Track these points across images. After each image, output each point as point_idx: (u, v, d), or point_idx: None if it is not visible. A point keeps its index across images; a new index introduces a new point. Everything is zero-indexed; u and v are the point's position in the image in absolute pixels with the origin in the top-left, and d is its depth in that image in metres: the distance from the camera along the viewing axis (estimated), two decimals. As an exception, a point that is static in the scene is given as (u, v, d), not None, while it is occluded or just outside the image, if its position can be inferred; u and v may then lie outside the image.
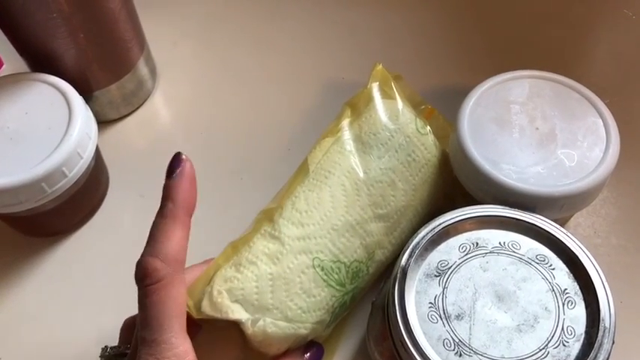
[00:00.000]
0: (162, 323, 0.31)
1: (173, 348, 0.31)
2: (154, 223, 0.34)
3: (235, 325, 0.36)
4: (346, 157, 0.41)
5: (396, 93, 0.45)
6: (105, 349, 0.37)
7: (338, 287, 0.38)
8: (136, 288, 0.45)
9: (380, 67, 0.46)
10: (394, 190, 0.41)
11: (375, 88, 0.44)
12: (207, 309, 0.36)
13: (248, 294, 0.36)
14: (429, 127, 0.44)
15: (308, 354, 0.38)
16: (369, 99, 0.44)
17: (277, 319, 0.36)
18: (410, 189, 0.42)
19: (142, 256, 0.34)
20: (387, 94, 0.44)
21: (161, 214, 0.34)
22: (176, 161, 0.35)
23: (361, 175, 0.41)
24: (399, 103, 0.44)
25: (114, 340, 0.43)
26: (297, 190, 0.40)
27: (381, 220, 0.41)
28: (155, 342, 0.31)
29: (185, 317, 0.33)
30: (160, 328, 0.31)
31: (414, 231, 0.39)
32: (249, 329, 0.36)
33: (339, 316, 0.40)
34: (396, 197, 0.41)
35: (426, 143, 0.43)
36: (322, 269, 0.38)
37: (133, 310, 0.44)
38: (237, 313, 0.36)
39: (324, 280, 0.38)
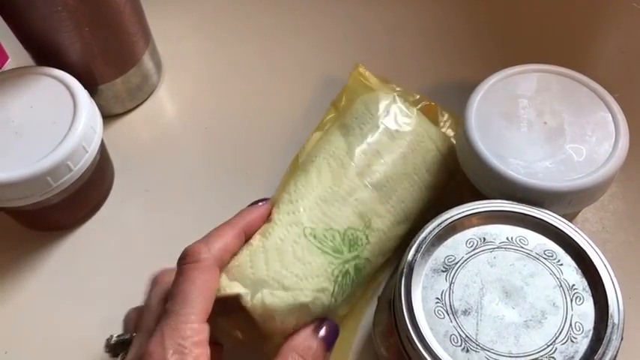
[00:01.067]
0: (187, 298, 0.33)
1: (190, 322, 0.32)
2: (219, 227, 0.37)
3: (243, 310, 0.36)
4: (331, 142, 0.43)
5: (377, 84, 0.48)
6: (110, 338, 0.37)
7: (335, 254, 0.38)
8: (140, 281, 0.46)
9: (361, 68, 0.49)
10: (380, 160, 0.42)
11: (355, 83, 0.48)
12: None
13: (243, 269, 0.36)
14: (415, 109, 0.45)
15: (322, 330, 0.37)
16: (351, 93, 0.47)
17: (274, 288, 0.36)
18: (398, 157, 0.42)
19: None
20: (367, 88, 0.47)
21: (227, 222, 0.38)
22: (260, 200, 0.40)
23: (345, 151, 0.42)
24: (379, 90, 0.46)
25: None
26: (289, 182, 0.42)
27: (372, 189, 0.41)
28: (175, 313, 0.32)
29: (211, 304, 0.34)
30: (184, 302, 0.33)
31: (415, 200, 0.41)
32: (249, 302, 0.36)
33: (348, 289, 0.39)
34: (383, 166, 0.42)
35: (408, 115, 0.44)
36: (315, 237, 0.38)
37: (138, 302, 0.44)
38: (235, 288, 0.36)
39: (318, 248, 0.38)
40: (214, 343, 0.34)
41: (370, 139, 0.43)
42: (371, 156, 0.42)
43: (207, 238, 0.36)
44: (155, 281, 0.38)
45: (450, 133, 0.49)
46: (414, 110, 0.45)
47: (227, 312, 0.37)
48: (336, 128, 0.44)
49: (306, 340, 0.36)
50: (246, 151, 0.52)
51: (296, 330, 0.37)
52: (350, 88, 0.49)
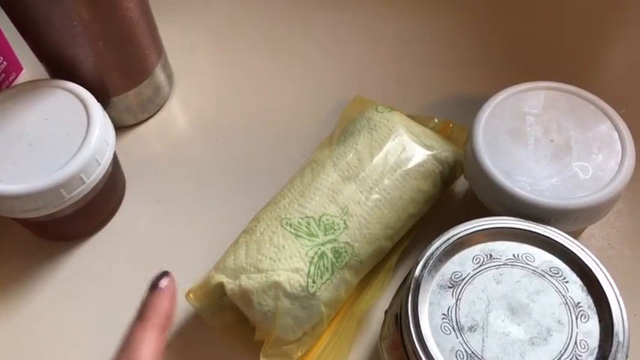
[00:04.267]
0: None
1: None
2: (132, 330, 0.35)
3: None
4: (319, 153, 0.46)
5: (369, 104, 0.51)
6: None
7: (308, 237, 0.40)
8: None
9: (358, 97, 0.53)
10: (358, 155, 0.44)
11: (351, 109, 0.51)
12: (201, 292, 0.41)
13: (228, 262, 0.40)
14: (395, 110, 0.48)
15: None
16: (345, 118, 0.50)
17: (250, 272, 0.39)
18: (376, 151, 0.44)
19: None
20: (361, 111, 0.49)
21: (140, 322, 0.35)
22: (158, 276, 0.37)
23: (328, 155, 0.45)
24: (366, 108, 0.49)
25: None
26: None
27: (349, 179, 0.43)
28: None
29: None
30: None
31: (400, 189, 0.43)
32: (228, 288, 0.39)
33: (327, 272, 0.40)
34: (361, 160, 0.44)
35: (387, 116, 0.46)
36: (290, 225, 0.41)
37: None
38: (218, 278, 0.40)
39: (292, 233, 0.40)
40: None
41: (351, 140, 0.45)
42: (349, 152, 0.44)
43: (133, 356, 0.34)
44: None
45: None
46: (394, 112, 0.47)
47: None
48: (329, 145, 0.47)
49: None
50: (257, 162, 0.53)
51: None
52: (345, 114, 0.51)
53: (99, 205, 0.48)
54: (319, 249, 0.40)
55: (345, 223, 0.41)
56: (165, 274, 0.37)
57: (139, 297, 0.45)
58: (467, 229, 0.38)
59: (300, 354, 0.41)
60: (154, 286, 0.36)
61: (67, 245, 0.49)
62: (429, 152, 0.45)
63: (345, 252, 0.41)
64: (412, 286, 0.36)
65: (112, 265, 0.48)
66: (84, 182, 0.43)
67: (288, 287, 0.39)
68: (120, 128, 0.55)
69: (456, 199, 0.50)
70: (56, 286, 0.47)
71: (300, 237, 0.40)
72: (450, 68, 0.58)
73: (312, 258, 0.40)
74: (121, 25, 0.47)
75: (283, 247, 0.40)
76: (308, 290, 0.39)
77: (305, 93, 0.57)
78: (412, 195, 0.44)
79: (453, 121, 0.51)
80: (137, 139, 0.55)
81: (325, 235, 0.41)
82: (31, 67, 0.59)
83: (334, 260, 0.40)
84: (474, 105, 0.44)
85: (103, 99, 0.50)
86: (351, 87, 0.54)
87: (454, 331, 0.35)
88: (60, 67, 0.49)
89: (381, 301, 0.44)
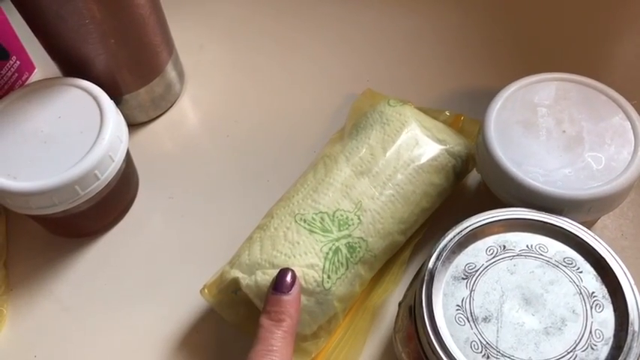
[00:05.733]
0: None
1: None
2: (272, 333, 0.36)
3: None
4: (331, 148, 0.46)
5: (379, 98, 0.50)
6: None
7: (323, 233, 0.40)
8: (165, 286, 0.47)
9: (368, 90, 0.53)
10: (371, 150, 0.44)
11: (361, 102, 0.51)
12: (215, 287, 0.42)
13: (242, 258, 0.41)
14: (406, 104, 0.47)
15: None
16: (356, 110, 0.50)
17: (265, 268, 0.39)
18: (389, 145, 0.44)
19: None
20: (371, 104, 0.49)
21: (280, 327, 0.37)
22: (291, 277, 0.38)
23: (340, 150, 0.45)
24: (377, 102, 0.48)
25: (145, 340, 0.44)
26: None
27: (362, 174, 0.43)
28: None
29: None
30: None
31: (413, 183, 0.43)
32: (244, 283, 0.39)
33: (342, 267, 0.40)
34: (374, 155, 0.44)
35: (399, 109, 0.46)
36: (304, 221, 0.41)
37: (162, 309, 0.45)
38: (233, 273, 0.40)
39: (307, 229, 0.41)
40: None
41: (363, 134, 0.45)
42: (362, 147, 0.44)
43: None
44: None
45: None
46: (406, 106, 0.47)
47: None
48: (340, 139, 0.47)
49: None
50: (268, 158, 0.53)
51: None
52: (356, 107, 0.51)
53: (113, 201, 0.48)
54: (334, 244, 0.40)
55: (359, 219, 0.41)
56: (290, 272, 0.38)
57: (153, 291, 0.46)
58: (480, 221, 0.38)
59: (317, 351, 0.41)
60: (283, 286, 0.38)
61: (82, 242, 0.49)
62: (442, 146, 0.45)
63: (360, 247, 0.41)
64: (426, 277, 0.36)
65: (126, 262, 0.48)
66: (98, 179, 0.44)
67: (303, 283, 0.39)
68: (132, 125, 0.55)
69: (469, 192, 0.50)
70: (71, 282, 0.48)
71: (315, 232, 0.41)
72: (460, 62, 0.58)
73: (327, 254, 0.40)
74: (132, 23, 0.47)
75: (298, 242, 0.40)
76: (323, 286, 0.39)
77: (315, 88, 0.57)
78: (425, 189, 0.44)
79: (465, 114, 0.51)
80: (149, 136, 0.55)
81: (339, 230, 0.41)
82: (43, 66, 0.59)
83: (349, 255, 0.40)
84: (485, 98, 0.44)
85: (115, 96, 0.50)
86: (360, 82, 0.54)
87: (468, 322, 0.35)
88: (72, 65, 0.49)
89: (394, 294, 0.44)
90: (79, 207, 0.45)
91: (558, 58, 0.56)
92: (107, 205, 0.48)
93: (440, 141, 0.45)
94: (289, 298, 0.37)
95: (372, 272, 0.43)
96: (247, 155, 0.53)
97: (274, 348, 0.36)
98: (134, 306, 0.46)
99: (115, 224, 0.50)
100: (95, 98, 0.46)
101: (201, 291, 0.42)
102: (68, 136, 0.44)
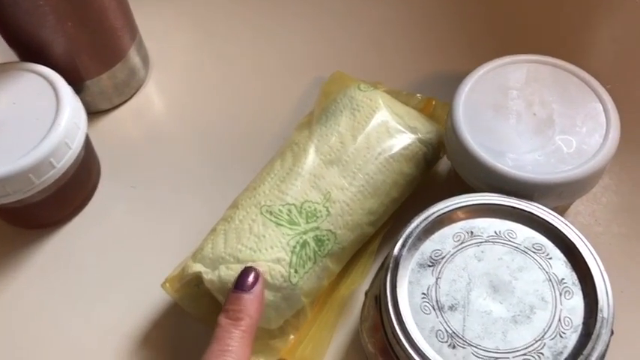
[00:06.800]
0: None
1: None
2: (229, 332, 0.35)
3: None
4: (299, 134, 0.45)
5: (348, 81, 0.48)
6: None
7: (290, 226, 0.39)
8: (127, 279, 0.45)
9: (339, 72, 0.51)
10: (341, 138, 0.42)
11: (331, 84, 0.49)
12: (177, 281, 0.40)
13: (205, 251, 0.39)
14: (378, 90, 0.46)
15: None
16: (326, 94, 0.48)
17: (229, 263, 0.38)
18: (359, 134, 0.43)
19: None
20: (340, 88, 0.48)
21: (238, 326, 0.35)
22: (254, 276, 0.37)
23: (308, 137, 0.43)
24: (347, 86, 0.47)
25: (106, 335, 0.43)
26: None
27: (331, 164, 0.41)
28: None
29: None
30: None
31: (382, 173, 0.42)
32: (206, 278, 0.38)
33: (310, 261, 0.39)
34: (343, 143, 0.42)
35: (370, 95, 0.45)
36: (271, 213, 0.39)
37: (123, 303, 0.44)
38: (195, 268, 0.38)
39: (273, 222, 0.39)
40: None
41: (332, 121, 0.44)
42: (331, 135, 0.43)
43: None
44: None
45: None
46: (377, 91, 0.45)
47: None
48: (308, 123, 0.45)
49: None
50: (234, 146, 0.51)
51: None
52: (326, 90, 0.49)
53: (72, 191, 0.47)
54: (301, 238, 0.39)
55: (327, 210, 0.40)
56: (253, 271, 0.37)
57: (117, 283, 0.45)
58: (447, 207, 0.37)
59: (286, 348, 0.40)
60: (244, 285, 0.36)
61: (41, 233, 0.48)
62: (413, 134, 0.44)
63: (328, 240, 0.40)
64: (391, 265, 0.35)
65: (87, 254, 0.47)
66: (54, 167, 0.42)
67: (269, 278, 0.37)
68: (95, 113, 0.53)
69: (439, 179, 0.48)
70: (30, 275, 0.46)
71: (282, 225, 0.39)
72: (432, 44, 0.57)
73: (294, 247, 0.38)
74: (90, 6, 0.46)
75: (264, 236, 0.38)
76: (290, 281, 0.38)
77: (283, 73, 0.56)
78: (395, 178, 0.42)
79: (437, 97, 0.50)
80: (113, 123, 0.53)
81: (307, 223, 0.39)
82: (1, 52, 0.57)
83: (316, 249, 0.39)
84: (457, 81, 0.43)
85: (77, 82, 0.49)
86: (330, 66, 0.53)
87: (434, 310, 0.34)
88: (29, 50, 0.47)
89: (362, 285, 0.43)
90: (36, 197, 0.43)
91: (531, 39, 0.54)
92: (66, 194, 0.46)
93: (411, 129, 0.44)
94: (250, 297, 0.36)
95: (340, 265, 0.41)
96: (214, 143, 0.52)
97: (230, 348, 0.34)
98: (94, 300, 0.45)
99: (76, 215, 0.49)
100: (51, 83, 0.44)
101: (162, 285, 0.41)
102: (22, 122, 0.42)
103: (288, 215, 0.39)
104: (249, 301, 0.36)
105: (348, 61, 0.56)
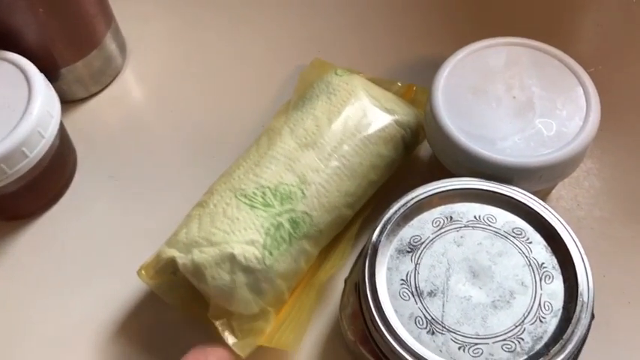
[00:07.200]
0: None
1: None
2: None
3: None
4: (275, 120, 0.44)
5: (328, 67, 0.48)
6: None
7: (264, 208, 0.38)
8: (105, 269, 0.45)
9: (317, 60, 0.50)
10: (316, 121, 0.42)
11: (310, 73, 0.49)
12: (152, 268, 0.39)
13: (180, 236, 0.39)
14: (355, 74, 0.46)
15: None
16: (304, 81, 0.48)
17: (203, 246, 0.37)
18: (335, 117, 0.42)
19: None
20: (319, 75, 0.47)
21: None
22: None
23: (284, 122, 0.43)
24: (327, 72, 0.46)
25: (83, 324, 0.42)
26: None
27: (306, 147, 0.41)
28: None
29: None
30: None
31: (359, 155, 0.41)
32: (180, 263, 0.37)
33: (285, 243, 0.38)
34: (319, 126, 0.42)
35: (346, 79, 0.44)
36: (245, 196, 0.39)
37: (101, 294, 0.43)
38: (169, 252, 0.38)
39: (247, 204, 0.39)
40: None
41: (309, 105, 0.43)
42: (307, 119, 0.42)
43: None
44: None
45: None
46: (354, 75, 0.45)
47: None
48: (286, 111, 0.45)
49: None
50: (214, 134, 0.51)
51: None
52: (304, 78, 0.49)
53: (47, 181, 0.46)
54: (275, 219, 0.38)
55: (302, 192, 0.39)
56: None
57: (93, 275, 0.44)
58: (426, 192, 0.36)
59: (269, 328, 0.39)
60: None
61: (16, 225, 0.47)
62: (391, 116, 0.43)
63: (303, 222, 0.39)
64: (369, 251, 0.34)
65: (64, 244, 0.46)
66: (27, 156, 0.41)
67: (243, 260, 0.37)
68: (71, 102, 0.52)
69: (420, 165, 0.48)
70: (5, 266, 0.45)
71: (256, 208, 0.39)
72: (412, 31, 0.56)
73: (268, 229, 0.38)
74: (62, -10, 0.45)
75: (237, 218, 0.38)
76: (264, 263, 0.37)
77: (263, 60, 0.55)
78: (373, 161, 0.42)
79: (418, 84, 0.49)
80: (89, 112, 0.52)
81: (282, 205, 0.39)
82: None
83: (291, 231, 0.39)
84: (438, 67, 0.42)
85: (51, 70, 0.48)
86: (310, 53, 0.52)
87: (413, 296, 0.33)
88: (1, 37, 0.46)
89: (342, 270, 0.42)
90: (9, 187, 0.42)
91: (511, 22, 0.54)
92: (41, 185, 0.45)
93: (388, 111, 0.43)
94: None
95: (318, 248, 0.41)
96: (193, 132, 0.51)
97: None
98: (71, 291, 0.44)
99: (52, 205, 0.48)
100: (23, 71, 0.43)
101: (138, 272, 0.40)
102: (-7, 111, 0.41)
103: (262, 198, 0.39)
104: None
105: (329, 49, 0.55)
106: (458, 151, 0.38)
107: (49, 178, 0.46)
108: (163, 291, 0.40)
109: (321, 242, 0.41)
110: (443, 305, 0.33)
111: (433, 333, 0.32)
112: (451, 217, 0.36)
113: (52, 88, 0.44)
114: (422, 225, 0.36)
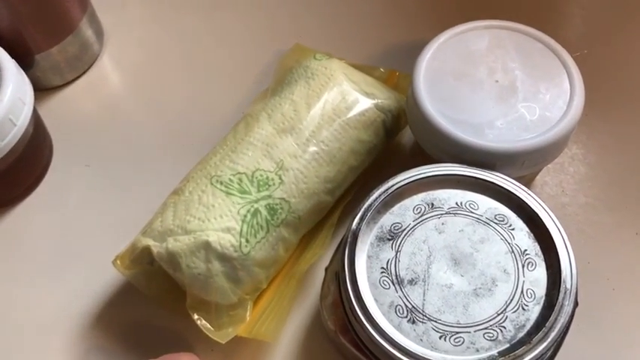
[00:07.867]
0: None
1: None
2: None
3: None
4: (255, 106, 0.43)
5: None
6: None
7: (240, 195, 0.38)
8: (82, 259, 0.44)
9: (298, 45, 0.49)
10: (294, 106, 0.41)
11: (290, 58, 0.47)
12: (127, 258, 0.39)
13: (155, 225, 0.38)
14: (334, 58, 0.45)
15: None
16: (283, 67, 0.47)
17: (177, 234, 0.37)
18: (314, 102, 0.41)
19: None
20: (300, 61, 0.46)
21: None
22: None
23: (262, 107, 0.42)
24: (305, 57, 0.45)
25: (59, 315, 0.41)
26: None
27: (284, 132, 0.40)
28: None
29: None
30: None
31: (339, 140, 0.40)
32: (155, 251, 0.37)
33: (262, 230, 0.38)
34: (297, 111, 0.41)
35: (325, 63, 0.43)
36: (221, 183, 0.38)
37: (76, 284, 0.43)
38: (144, 241, 0.37)
39: (223, 191, 0.38)
40: None
41: (287, 90, 0.42)
42: (285, 103, 0.42)
43: None
44: None
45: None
46: (333, 59, 0.44)
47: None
48: (261, 99, 0.44)
49: None
50: (193, 122, 0.50)
51: None
52: (284, 64, 0.47)
53: (22, 170, 0.45)
54: (252, 206, 0.37)
55: (280, 179, 0.39)
56: None
57: (69, 265, 0.43)
58: (407, 178, 0.36)
59: (249, 317, 0.38)
60: None
61: (-9, 215, 0.46)
62: (370, 100, 0.42)
63: (281, 208, 0.38)
64: (349, 239, 0.34)
65: (40, 234, 0.45)
66: (-2, 145, 0.40)
67: (218, 248, 0.36)
68: (47, 89, 0.51)
69: (403, 151, 0.47)
70: (-21, 258, 0.44)
71: (232, 195, 0.38)
72: (394, 15, 0.55)
73: (245, 216, 0.37)
74: (33, -25, 0.43)
75: (213, 206, 0.37)
76: (241, 250, 0.37)
77: (242, 46, 0.54)
78: (352, 146, 0.41)
79: (401, 71, 0.48)
80: (65, 100, 0.51)
81: (259, 191, 0.38)
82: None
83: (269, 217, 0.38)
84: (418, 50, 0.41)
85: (25, 57, 0.47)
86: (290, 38, 0.51)
87: (393, 285, 0.33)
88: (-29, 24, 0.45)
89: (323, 259, 0.41)
90: (-19, 176, 0.41)
91: (499, 6, 0.53)
92: (15, 174, 0.44)
93: (368, 95, 0.42)
94: None
95: (297, 235, 0.40)
96: (171, 119, 0.50)
97: None
98: (47, 282, 0.43)
99: (28, 194, 0.46)
100: (-7, 57, 0.42)
101: (113, 262, 0.39)
102: (-37, 99, 0.40)
103: (238, 184, 0.38)
104: None
105: (310, 34, 0.54)
106: (439, 136, 0.37)
107: (24, 167, 0.44)
108: (139, 281, 0.39)
109: (301, 229, 0.40)
110: (424, 293, 0.32)
111: (414, 322, 0.32)
112: (432, 204, 0.35)
113: (25, 75, 0.43)
114: (403, 212, 0.35)
